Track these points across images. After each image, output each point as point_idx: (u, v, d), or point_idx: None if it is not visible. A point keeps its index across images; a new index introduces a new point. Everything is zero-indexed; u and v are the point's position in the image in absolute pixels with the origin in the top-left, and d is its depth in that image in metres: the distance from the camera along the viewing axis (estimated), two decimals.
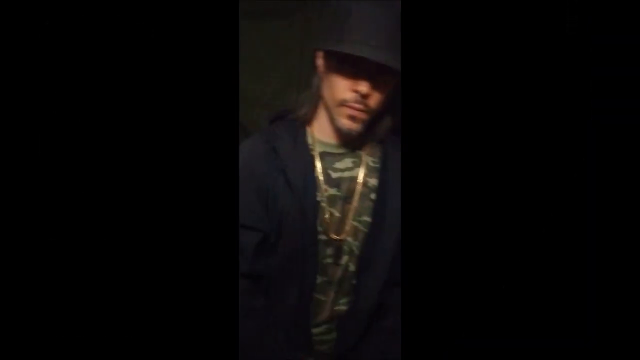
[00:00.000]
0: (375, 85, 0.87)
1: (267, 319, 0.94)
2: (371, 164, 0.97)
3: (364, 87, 0.86)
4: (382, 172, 0.97)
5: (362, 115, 0.89)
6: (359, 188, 0.95)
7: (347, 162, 0.96)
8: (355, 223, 0.94)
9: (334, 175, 0.95)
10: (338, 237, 0.93)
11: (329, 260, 0.94)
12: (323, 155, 0.95)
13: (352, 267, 0.95)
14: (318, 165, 0.94)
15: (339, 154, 0.96)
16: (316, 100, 0.95)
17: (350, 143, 0.96)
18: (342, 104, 0.89)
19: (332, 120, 0.93)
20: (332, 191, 0.94)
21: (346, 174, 0.95)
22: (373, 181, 0.96)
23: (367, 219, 0.94)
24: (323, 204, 0.93)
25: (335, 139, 0.96)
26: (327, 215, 0.93)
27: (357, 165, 0.96)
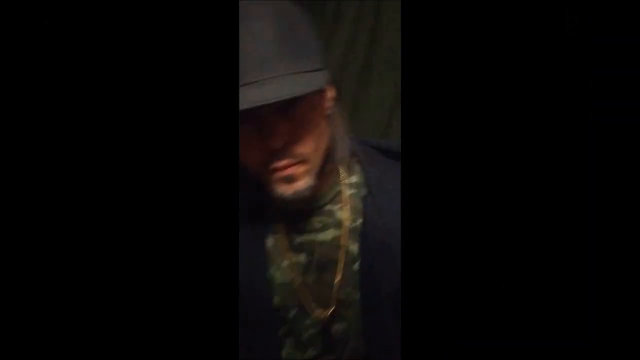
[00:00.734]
0: (291, 126, 0.64)
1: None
2: (347, 222, 0.73)
3: (273, 140, 0.63)
4: (364, 227, 0.72)
5: (299, 169, 0.66)
6: (333, 255, 0.73)
7: (313, 222, 0.74)
8: (342, 296, 0.74)
9: (298, 239, 0.75)
10: (322, 315, 0.74)
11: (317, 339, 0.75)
12: (285, 215, 0.75)
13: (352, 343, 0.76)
14: (277, 228, 0.74)
15: (304, 212, 0.74)
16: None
17: (313, 196, 0.72)
18: (269, 173, 0.67)
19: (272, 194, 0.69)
20: (299, 258, 0.74)
21: (313, 236, 0.74)
22: (354, 247, 0.73)
23: (354, 295, 0.74)
24: (286, 275, 0.74)
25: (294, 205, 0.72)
26: (295, 287, 0.73)
27: (326, 226, 0.74)
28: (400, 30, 0.82)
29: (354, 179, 0.76)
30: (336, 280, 0.73)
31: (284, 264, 0.74)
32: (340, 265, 0.73)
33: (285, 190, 0.67)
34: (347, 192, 0.75)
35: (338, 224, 0.73)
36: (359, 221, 0.74)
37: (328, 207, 0.74)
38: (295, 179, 0.67)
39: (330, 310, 0.73)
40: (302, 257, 0.74)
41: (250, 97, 0.60)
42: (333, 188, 0.75)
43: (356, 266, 0.73)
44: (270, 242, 0.75)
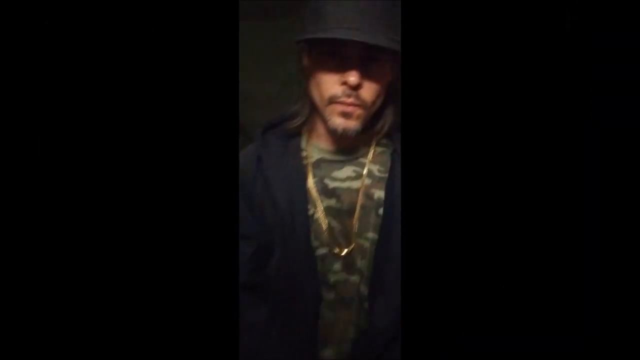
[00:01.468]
0: (366, 74, 0.78)
1: (270, 333, 0.88)
2: (377, 173, 0.86)
3: (352, 77, 0.76)
4: (389, 182, 0.86)
5: (357, 111, 0.79)
6: (361, 200, 0.85)
7: (347, 170, 0.86)
8: (360, 240, 0.85)
9: (332, 185, 0.86)
10: (341, 253, 0.84)
11: (338, 277, 0.85)
12: (319, 163, 0.87)
13: (363, 289, 0.85)
14: (311, 174, 0.86)
15: (338, 162, 0.87)
16: (309, 104, 0.86)
17: (350, 148, 0.87)
18: (332, 101, 0.79)
19: (325, 123, 0.83)
20: (330, 202, 0.85)
21: (346, 184, 0.86)
22: (379, 193, 0.85)
23: (373, 235, 0.84)
24: (318, 216, 0.85)
25: (333, 145, 0.87)
26: (324, 228, 0.84)
27: (359, 174, 0.86)
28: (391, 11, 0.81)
29: (384, 140, 0.90)
30: (359, 223, 0.84)
31: (317, 206, 0.85)
32: (366, 210, 0.85)
33: (339, 124, 0.80)
34: (379, 149, 0.88)
35: (369, 174, 0.86)
36: (386, 174, 0.86)
37: (361, 159, 0.87)
38: (350, 117, 0.79)
39: (351, 248, 0.84)
40: (332, 202, 0.85)
41: (348, 35, 0.74)
42: (368, 143, 0.87)
43: (380, 211, 0.85)
44: (309, 183, 0.86)
